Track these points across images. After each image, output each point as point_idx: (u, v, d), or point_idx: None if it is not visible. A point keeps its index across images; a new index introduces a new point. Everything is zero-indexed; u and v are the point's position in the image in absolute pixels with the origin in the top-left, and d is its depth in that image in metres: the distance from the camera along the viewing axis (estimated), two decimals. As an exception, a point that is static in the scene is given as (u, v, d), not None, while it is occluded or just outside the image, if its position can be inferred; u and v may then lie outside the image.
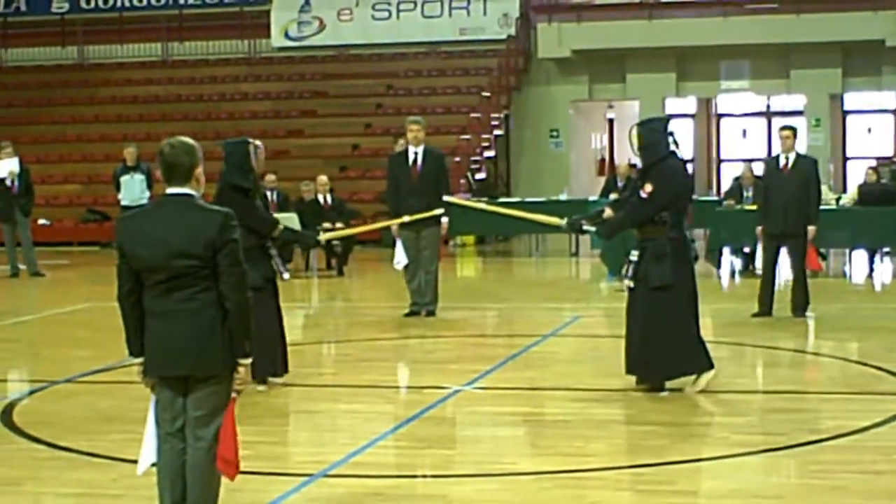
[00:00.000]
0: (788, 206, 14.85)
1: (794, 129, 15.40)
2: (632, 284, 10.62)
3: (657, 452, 8.54)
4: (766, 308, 15.13)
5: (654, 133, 10.71)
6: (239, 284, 6.20)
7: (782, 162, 15.14)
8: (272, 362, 10.95)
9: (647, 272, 10.45)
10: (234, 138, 11.68)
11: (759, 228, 15.29)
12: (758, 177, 21.26)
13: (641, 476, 8.02)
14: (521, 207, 24.96)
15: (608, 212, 11.12)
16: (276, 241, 10.92)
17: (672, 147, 10.81)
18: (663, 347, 10.38)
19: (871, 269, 20.75)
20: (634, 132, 10.78)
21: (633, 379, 11.03)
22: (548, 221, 12.66)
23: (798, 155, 15.20)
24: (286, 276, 11.08)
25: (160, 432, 6.38)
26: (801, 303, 15.17)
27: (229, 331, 6.20)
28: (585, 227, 11.51)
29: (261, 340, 10.53)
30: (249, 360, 6.28)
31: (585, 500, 7.48)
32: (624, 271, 10.81)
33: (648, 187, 10.51)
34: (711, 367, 10.56)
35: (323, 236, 11.08)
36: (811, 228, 14.93)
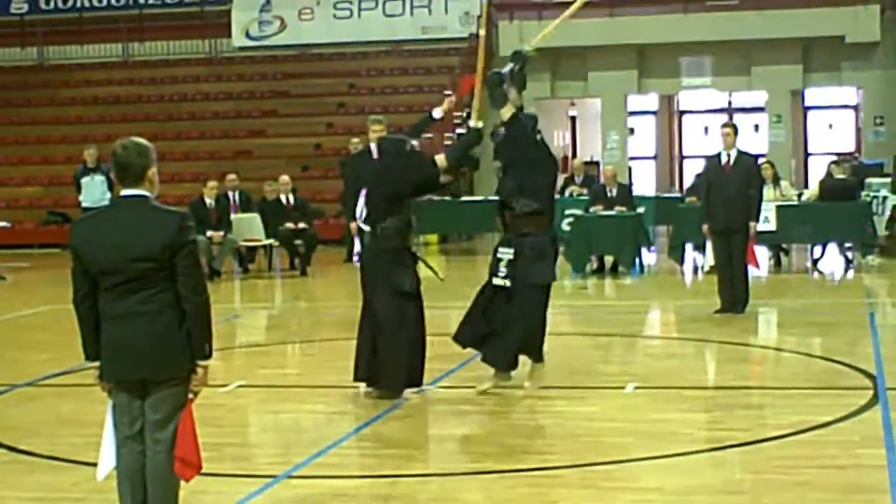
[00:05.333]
0: (731, 203, 14.96)
1: (734, 127, 15.51)
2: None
3: (621, 450, 8.54)
4: (727, 304, 15.18)
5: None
6: (198, 286, 6.16)
7: (724, 159, 15.23)
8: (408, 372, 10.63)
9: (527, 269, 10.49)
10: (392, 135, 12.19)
11: (705, 227, 15.38)
12: (699, 175, 21.42)
13: (605, 473, 8.02)
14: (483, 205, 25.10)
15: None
16: (450, 169, 10.88)
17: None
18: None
19: (818, 262, 20.86)
20: None
21: (595, 376, 11.06)
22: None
23: (739, 152, 15.29)
24: (441, 275, 11.77)
25: (119, 436, 6.33)
26: (742, 298, 15.22)
27: (187, 332, 6.16)
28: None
29: (400, 349, 10.38)
30: (208, 362, 6.24)
31: (549, 498, 7.47)
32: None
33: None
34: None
35: (472, 122, 10.89)
36: (752, 224, 15.02)
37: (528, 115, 10.94)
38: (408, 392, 10.64)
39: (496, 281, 10.55)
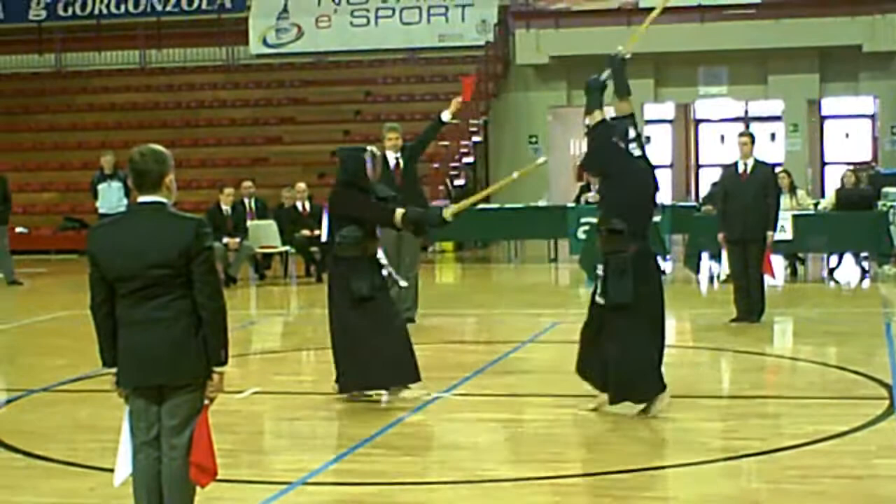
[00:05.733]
0: (747, 212, 14.94)
1: (752, 136, 15.50)
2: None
3: (635, 458, 8.54)
4: (743, 313, 15.16)
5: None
6: (214, 292, 6.19)
7: (741, 168, 15.22)
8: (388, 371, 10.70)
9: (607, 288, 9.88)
10: (349, 146, 11.54)
11: (721, 235, 15.38)
12: (715, 183, 21.39)
13: (619, 482, 8.01)
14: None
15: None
16: (404, 226, 10.73)
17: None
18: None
19: (834, 271, 20.82)
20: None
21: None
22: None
23: (756, 161, 15.27)
24: (404, 283, 11.05)
25: (135, 442, 6.34)
26: (757, 307, 15.20)
27: (204, 339, 6.18)
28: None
29: (365, 350, 10.46)
30: (224, 369, 6.26)
31: (564, 507, 7.48)
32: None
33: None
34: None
35: (447, 212, 10.84)
36: (769, 234, 14.99)
37: (621, 122, 10.16)
38: (409, 391, 10.75)
39: (597, 298, 10.05)
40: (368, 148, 10.92)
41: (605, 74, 10.35)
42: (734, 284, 15.44)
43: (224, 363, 6.24)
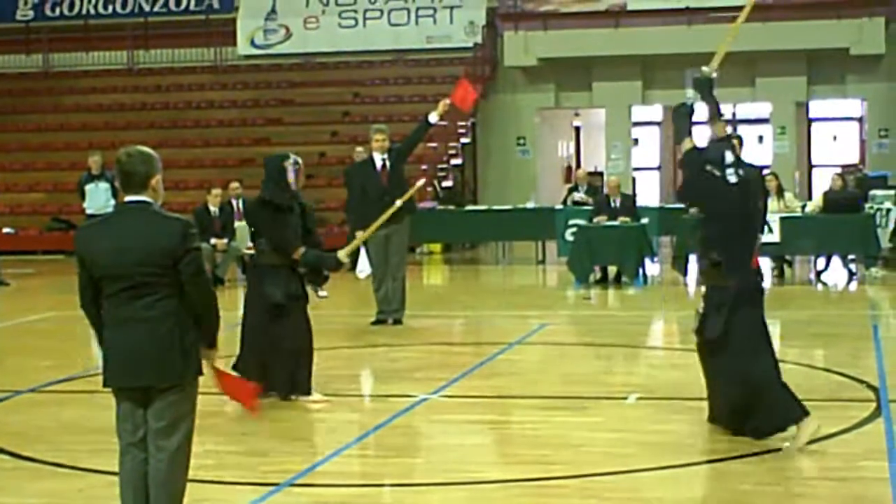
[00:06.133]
0: None
1: (740, 138, 15.48)
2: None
3: (623, 460, 8.54)
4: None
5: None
6: (204, 291, 6.23)
7: None
8: (291, 379, 10.82)
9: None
10: (275, 153, 11.54)
11: None
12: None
13: (607, 484, 8.02)
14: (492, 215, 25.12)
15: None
16: (297, 263, 10.79)
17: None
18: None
19: (821, 273, 20.86)
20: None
21: (598, 387, 11.06)
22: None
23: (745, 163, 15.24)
24: (322, 293, 11.05)
25: (121, 444, 6.34)
26: None
27: (188, 339, 6.20)
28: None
29: (282, 356, 10.57)
30: (214, 351, 6.41)
31: (552, 509, 7.48)
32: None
33: None
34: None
35: (342, 254, 10.96)
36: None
37: (717, 146, 9.40)
38: (311, 397, 10.82)
39: (695, 335, 9.56)
40: (291, 156, 10.93)
41: (692, 97, 9.80)
42: None
43: (213, 345, 6.40)
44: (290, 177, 10.74)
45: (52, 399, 11.37)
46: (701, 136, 9.66)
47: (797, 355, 13.27)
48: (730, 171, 9.15)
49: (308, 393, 10.82)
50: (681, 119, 9.64)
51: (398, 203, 11.89)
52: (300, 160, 10.92)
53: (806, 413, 8.83)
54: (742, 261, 9.09)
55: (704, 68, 9.80)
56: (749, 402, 8.96)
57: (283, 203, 10.76)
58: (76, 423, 10.12)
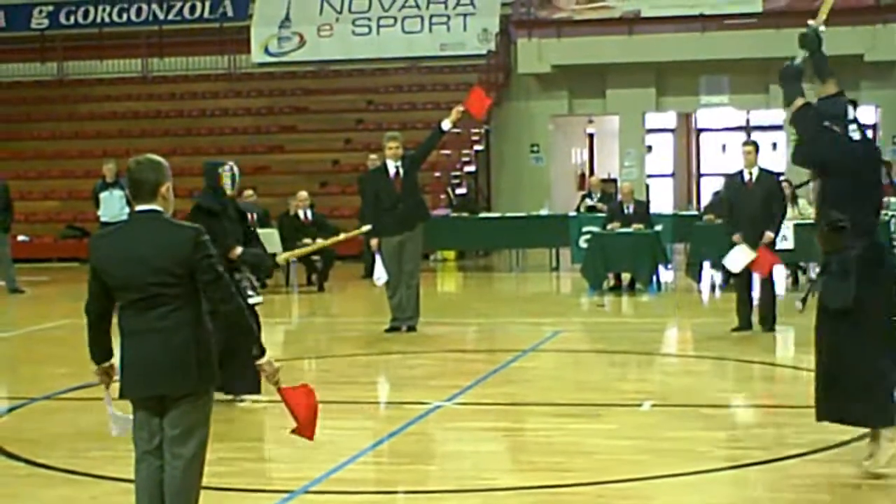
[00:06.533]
0: (755, 222, 14.87)
1: (755, 144, 15.50)
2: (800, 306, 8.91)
3: (637, 467, 8.53)
4: (745, 322, 15.16)
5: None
6: (226, 295, 6.21)
7: (746, 177, 15.19)
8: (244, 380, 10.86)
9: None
10: (211, 159, 11.74)
11: (737, 236, 15.21)
12: (717, 192, 21.47)
13: (622, 491, 8.01)
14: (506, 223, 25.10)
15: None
16: (234, 263, 10.88)
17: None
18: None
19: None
20: None
21: (612, 394, 11.05)
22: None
23: (761, 170, 15.27)
24: (256, 299, 11.05)
25: (137, 452, 6.36)
26: (769, 317, 15.18)
27: (205, 348, 6.20)
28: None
29: (233, 357, 10.69)
30: (266, 359, 6.38)
31: (566, 516, 7.48)
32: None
33: None
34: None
35: (280, 257, 11.17)
36: (768, 234, 14.89)
37: (835, 101, 8.68)
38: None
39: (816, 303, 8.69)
40: (228, 163, 11.20)
41: (800, 58, 9.06)
42: (737, 294, 15.44)
43: (261, 355, 6.36)
44: (227, 183, 11.10)
45: (67, 406, 11.39)
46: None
47: (812, 362, 13.21)
48: (852, 126, 8.51)
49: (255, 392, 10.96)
50: (789, 80, 8.94)
51: (324, 242, 12.04)
52: (236, 167, 11.22)
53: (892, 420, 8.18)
54: (869, 224, 8.41)
55: (811, 22, 9.18)
56: (861, 386, 8.19)
57: (216, 208, 11.02)
58: (91, 431, 10.12)
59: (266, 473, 8.92)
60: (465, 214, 26.76)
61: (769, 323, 15.17)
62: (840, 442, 9.02)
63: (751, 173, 15.18)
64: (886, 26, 30.77)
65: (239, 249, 10.94)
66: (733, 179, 15.55)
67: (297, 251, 11.79)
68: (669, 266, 22.29)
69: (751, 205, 14.95)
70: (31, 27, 37.76)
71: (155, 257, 6.12)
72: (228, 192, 11.15)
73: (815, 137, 8.60)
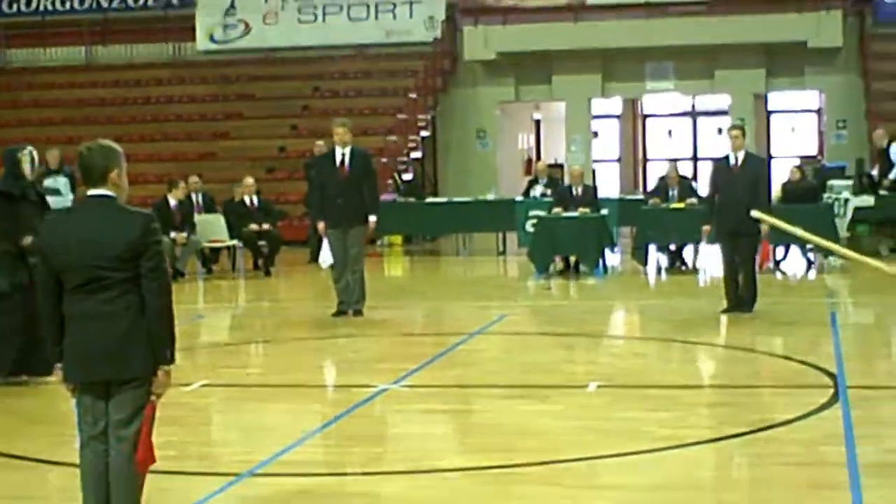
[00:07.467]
0: (740, 204, 14.68)
1: (742, 129, 15.57)
2: None
3: (584, 447, 8.57)
4: (733, 304, 15.13)
5: None
6: (160, 289, 6.16)
7: (732, 161, 15.19)
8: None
9: None
10: (12, 145, 11.93)
11: (706, 227, 15.30)
12: (683, 177, 21.61)
13: (568, 471, 8.05)
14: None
15: None
16: (29, 252, 10.97)
17: None
18: None
19: (780, 262, 20.98)
20: None
21: (558, 375, 11.09)
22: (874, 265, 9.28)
23: (748, 153, 15.33)
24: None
25: (82, 437, 6.32)
26: (749, 298, 15.19)
27: (150, 333, 6.16)
28: None
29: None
30: (171, 366, 6.25)
31: (513, 495, 7.50)
32: None
33: None
34: None
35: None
36: (763, 227, 14.84)
37: None
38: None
39: None
40: (27, 147, 11.43)
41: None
42: (724, 276, 15.37)
43: (170, 361, 6.24)
44: (26, 168, 11.24)
45: (9, 392, 11.28)
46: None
47: (757, 343, 13.37)
48: None
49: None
50: None
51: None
52: (35, 152, 11.43)
53: None
54: None
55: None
56: None
57: (16, 193, 11.19)
58: (35, 415, 10.08)
59: (213, 456, 8.89)
60: (412, 199, 26.76)
61: (749, 304, 15.16)
62: (783, 421, 9.10)
63: (737, 157, 15.17)
64: (830, 13, 30.95)
65: (30, 238, 10.95)
66: (719, 163, 15.51)
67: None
68: (616, 249, 22.38)
69: (737, 189, 14.88)
70: (-27, 15, 37.38)
71: (105, 241, 6.09)
72: (28, 176, 11.26)
73: None
